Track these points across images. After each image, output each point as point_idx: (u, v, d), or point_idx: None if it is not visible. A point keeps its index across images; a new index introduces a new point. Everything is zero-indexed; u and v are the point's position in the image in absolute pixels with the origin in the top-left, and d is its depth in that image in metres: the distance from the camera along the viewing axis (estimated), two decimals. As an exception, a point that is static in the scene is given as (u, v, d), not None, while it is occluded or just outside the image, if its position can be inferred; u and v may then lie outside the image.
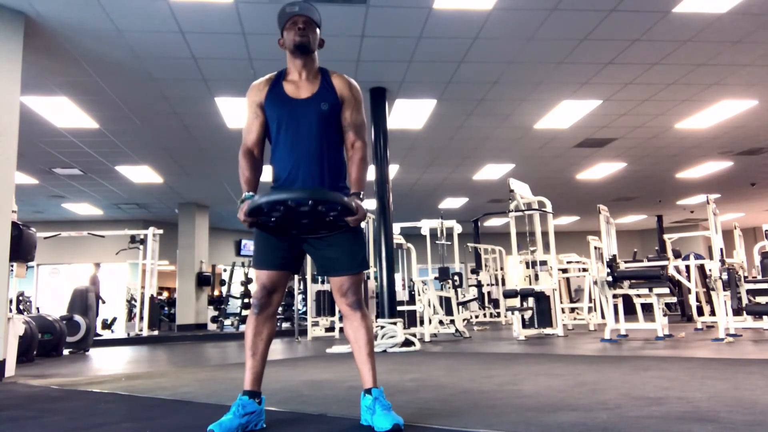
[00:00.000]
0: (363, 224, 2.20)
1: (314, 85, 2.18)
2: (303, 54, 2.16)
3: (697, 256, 8.05)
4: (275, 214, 1.95)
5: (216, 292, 13.62)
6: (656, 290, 6.13)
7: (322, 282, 9.42)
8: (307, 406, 2.59)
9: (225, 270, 14.01)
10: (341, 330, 8.77)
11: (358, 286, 2.16)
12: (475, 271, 12.45)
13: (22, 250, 4.81)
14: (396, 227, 9.38)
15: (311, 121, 2.13)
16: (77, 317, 7.62)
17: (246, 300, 12.67)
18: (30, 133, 7.66)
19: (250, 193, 2.05)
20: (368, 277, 7.96)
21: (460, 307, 9.15)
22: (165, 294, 15.07)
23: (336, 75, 2.22)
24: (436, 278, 9.01)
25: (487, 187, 12.01)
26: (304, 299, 10.76)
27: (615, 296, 6.46)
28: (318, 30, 2.20)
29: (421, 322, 7.78)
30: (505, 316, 11.22)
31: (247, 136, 2.21)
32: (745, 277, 6.78)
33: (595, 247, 7.03)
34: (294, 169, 2.13)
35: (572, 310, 9.86)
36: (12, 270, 4.95)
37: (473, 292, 12.12)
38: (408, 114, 7.64)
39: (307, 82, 2.19)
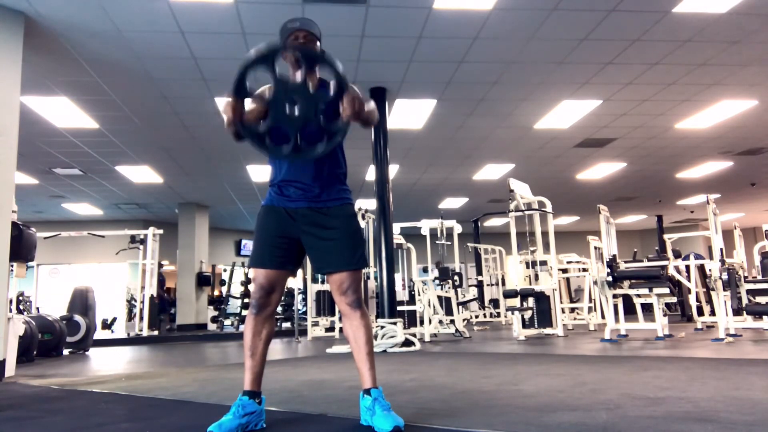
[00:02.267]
0: (363, 223, 2.20)
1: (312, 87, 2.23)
2: None
3: (697, 256, 8.05)
4: (266, 98, 1.88)
5: (216, 292, 13.62)
6: (656, 290, 6.13)
7: (322, 282, 9.43)
8: (307, 406, 2.59)
9: (225, 270, 14.01)
10: (341, 330, 8.77)
11: (358, 285, 2.17)
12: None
13: (22, 250, 4.81)
14: (396, 227, 9.38)
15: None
16: (77, 317, 7.62)
17: (246, 300, 12.67)
18: (30, 133, 7.65)
19: None
20: (368, 277, 7.96)
21: (460, 307, 9.15)
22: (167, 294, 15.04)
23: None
24: (435, 278, 9.01)
25: (487, 187, 12.01)
26: (304, 299, 10.76)
27: (615, 296, 6.46)
28: (318, 43, 2.27)
29: (421, 322, 7.78)
30: (505, 316, 11.22)
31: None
32: (745, 277, 6.77)
33: (595, 247, 7.03)
34: (291, 164, 2.16)
35: (572, 310, 9.86)
36: (12, 270, 4.95)
37: (473, 292, 12.13)
38: (408, 114, 7.64)
39: None
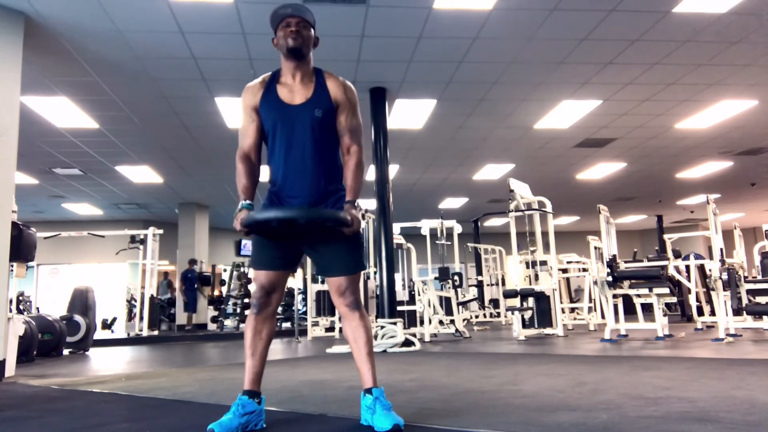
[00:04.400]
0: (363, 224, 2.21)
1: (308, 89, 2.17)
2: (297, 58, 2.15)
3: (697, 256, 8.05)
4: (271, 227, 2.01)
5: (216, 292, 13.61)
6: (656, 290, 6.13)
7: (322, 282, 9.42)
8: (307, 406, 2.59)
9: (225, 270, 14.01)
10: (341, 330, 8.77)
11: (356, 286, 2.17)
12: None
13: (22, 250, 4.81)
14: (396, 227, 9.38)
15: (305, 127, 2.13)
16: (77, 317, 7.61)
17: (246, 300, 12.64)
18: (30, 133, 7.66)
19: (247, 202, 2.09)
20: (368, 278, 7.95)
21: (460, 307, 9.15)
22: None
23: (330, 77, 2.20)
24: (436, 278, 9.01)
25: (487, 187, 12.01)
26: (304, 299, 10.76)
27: (615, 296, 6.46)
28: (312, 30, 2.19)
29: (421, 322, 7.78)
30: (505, 316, 11.22)
31: (243, 141, 2.20)
32: (745, 277, 6.77)
33: (595, 247, 7.03)
34: (289, 174, 2.14)
35: (572, 310, 9.86)
36: (12, 270, 4.95)
37: (473, 292, 12.12)
38: (408, 114, 7.64)
39: (301, 85, 2.17)
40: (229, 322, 12.39)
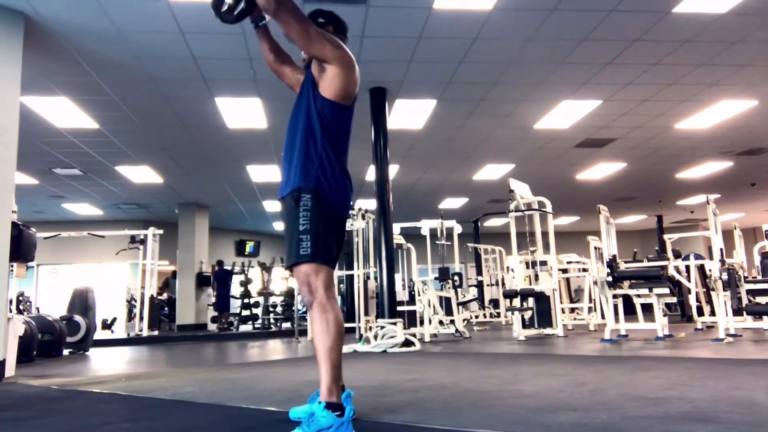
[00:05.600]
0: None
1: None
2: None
3: (697, 256, 8.05)
4: None
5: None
6: (656, 290, 6.13)
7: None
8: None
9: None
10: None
11: (303, 284, 1.98)
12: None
13: (22, 250, 4.81)
14: (396, 227, 9.38)
15: (299, 98, 2.29)
16: (77, 317, 7.62)
17: (246, 300, 12.66)
18: (30, 133, 7.65)
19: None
20: (368, 278, 7.95)
21: (460, 307, 9.15)
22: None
23: None
24: (436, 278, 9.02)
25: (487, 187, 12.00)
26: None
27: (615, 296, 6.46)
28: None
29: (421, 322, 7.78)
30: (505, 316, 11.22)
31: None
32: (745, 277, 6.77)
33: (595, 247, 7.03)
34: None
35: (572, 310, 9.86)
36: (12, 270, 4.95)
37: (473, 292, 12.13)
38: (408, 114, 7.64)
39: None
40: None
